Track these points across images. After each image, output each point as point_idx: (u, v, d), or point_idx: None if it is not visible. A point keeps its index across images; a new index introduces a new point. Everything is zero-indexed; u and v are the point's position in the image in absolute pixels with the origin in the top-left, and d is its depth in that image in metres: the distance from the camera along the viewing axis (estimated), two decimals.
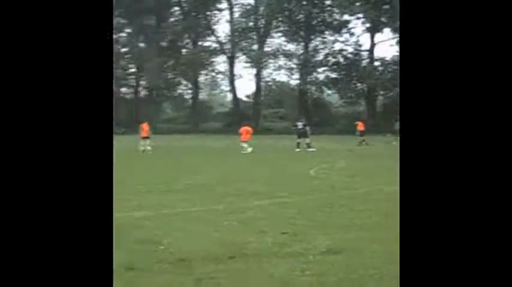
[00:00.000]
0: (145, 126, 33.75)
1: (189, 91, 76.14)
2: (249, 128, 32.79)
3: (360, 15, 60.64)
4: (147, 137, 32.89)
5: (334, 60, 64.52)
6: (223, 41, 70.15)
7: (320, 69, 65.28)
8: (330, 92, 68.81)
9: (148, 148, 31.94)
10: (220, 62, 72.42)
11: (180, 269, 6.48)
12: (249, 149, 30.69)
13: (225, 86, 75.89)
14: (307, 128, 33.72)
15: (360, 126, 39.10)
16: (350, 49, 64.54)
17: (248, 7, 68.02)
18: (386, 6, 56.66)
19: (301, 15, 63.84)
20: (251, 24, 67.26)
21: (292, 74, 67.65)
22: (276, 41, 67.63)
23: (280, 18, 64.45)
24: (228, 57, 69.41)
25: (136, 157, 28.28)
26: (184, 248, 7.50)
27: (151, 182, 15.68)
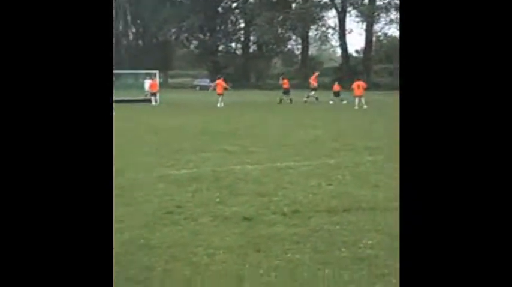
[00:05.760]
0: (220, 83, 34.50)
1: (299, 46, 75.97)
2: (361, 83, 32.39)
3: None
4: (221, 94, 33.37)
5: None
6: None
7: None
8: None
9: (222, 105, 32.14)
10: (331, 17, 71.77)
11: (295, 220, 6.64)
12: (365, 106, 30.49)
13: (335, 41, 74.93)
14: None
15: None
16: None
17: None
18: None
19: None
20: None
21: None
22: None
23: None
24: (339, 12, 68.22)
25: (249, 108, 28.64)
26: (299, 200, 7.65)
27: (262, 135, 15.95)
